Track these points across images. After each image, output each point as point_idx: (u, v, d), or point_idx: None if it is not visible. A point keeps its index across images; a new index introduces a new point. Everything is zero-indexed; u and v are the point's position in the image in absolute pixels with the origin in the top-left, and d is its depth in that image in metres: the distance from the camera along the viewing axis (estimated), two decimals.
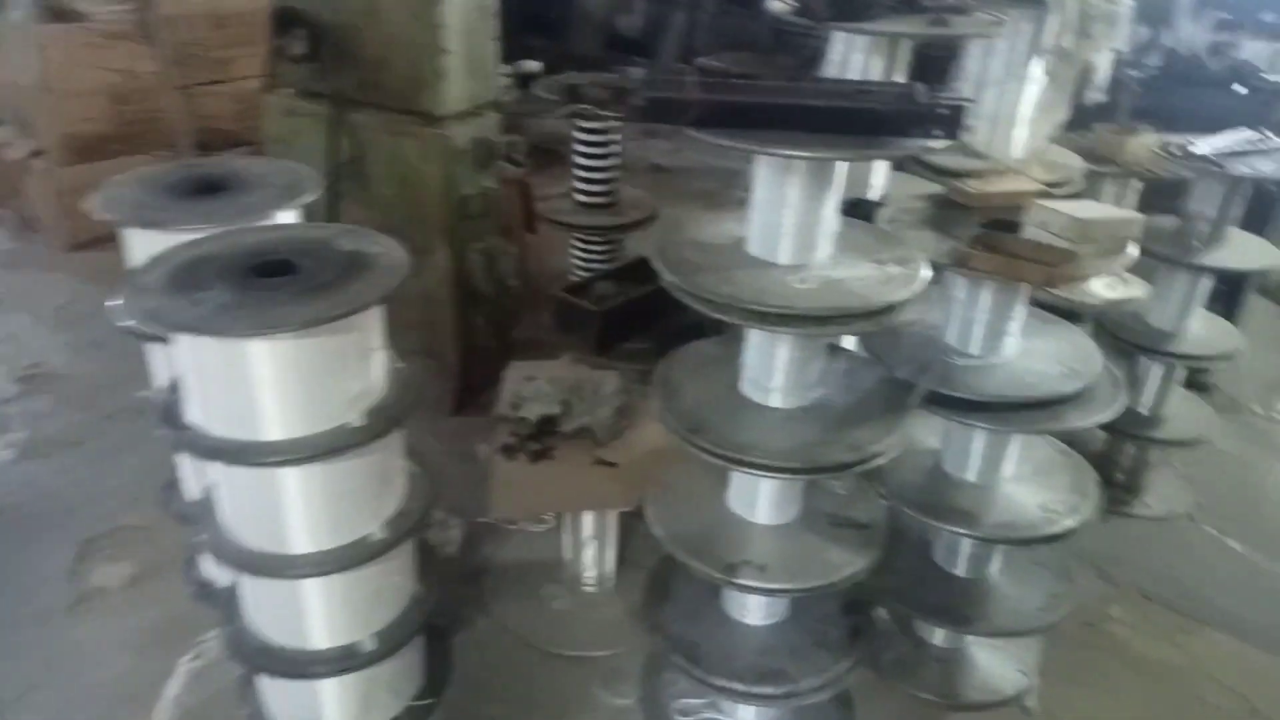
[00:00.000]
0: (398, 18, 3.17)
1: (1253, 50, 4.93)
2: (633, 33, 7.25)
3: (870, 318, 1.71)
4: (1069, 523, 2.14)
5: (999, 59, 3.14)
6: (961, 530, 2.14)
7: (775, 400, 1.89)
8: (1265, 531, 3.21)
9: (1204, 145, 3.00)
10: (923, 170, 2.75)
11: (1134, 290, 3.30)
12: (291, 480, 1.80)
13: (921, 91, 1.65)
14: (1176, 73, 4.61)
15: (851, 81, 2.41)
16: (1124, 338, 3.09)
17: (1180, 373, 3.20)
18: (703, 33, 6.72)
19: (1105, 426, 3.28)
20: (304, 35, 3.31)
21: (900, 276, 1.80)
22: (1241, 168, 2.84)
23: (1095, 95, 3.48)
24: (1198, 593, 2.93)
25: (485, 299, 3.52)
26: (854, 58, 2.69)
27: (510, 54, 5.14)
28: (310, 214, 2.17)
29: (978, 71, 3.32)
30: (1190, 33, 5.02)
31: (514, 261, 3.70)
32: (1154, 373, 3.18)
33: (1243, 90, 4.49)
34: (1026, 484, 2.25)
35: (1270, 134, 3.10)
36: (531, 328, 3.93)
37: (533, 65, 4.94)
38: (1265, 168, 2.85)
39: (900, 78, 2.76)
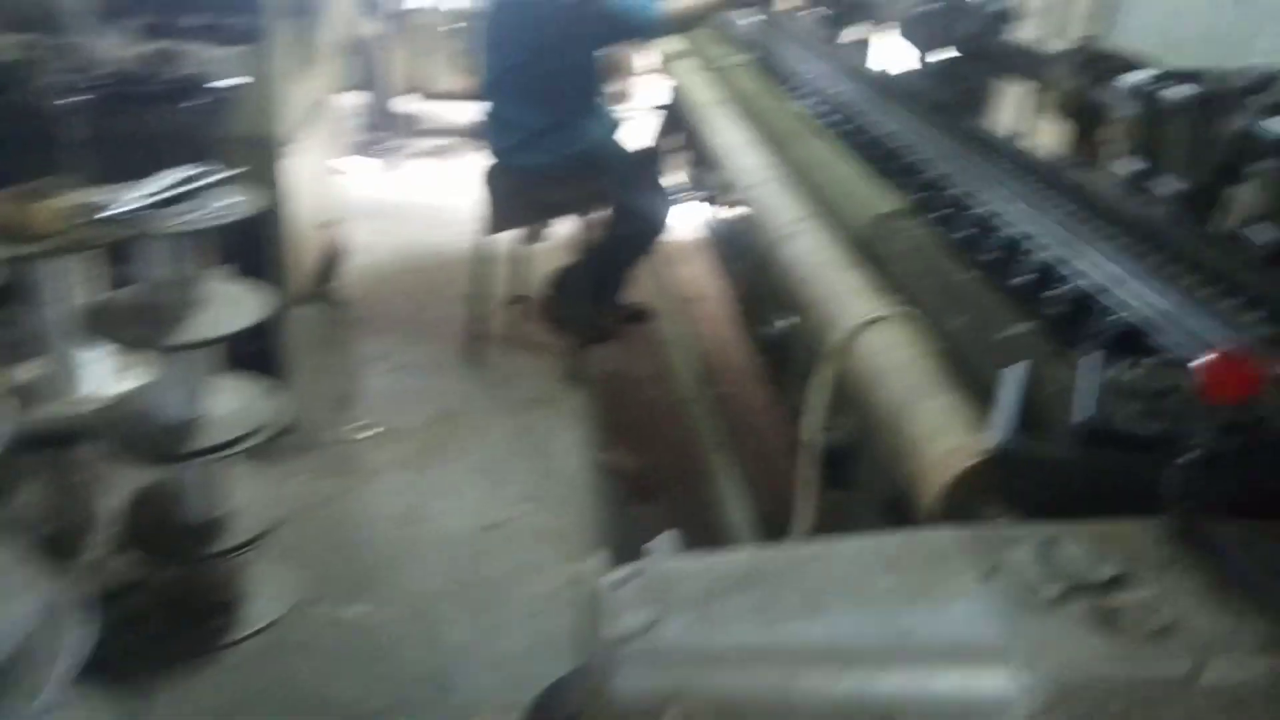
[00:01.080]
0: None
1: (197, 57, 4.56)
2: None
3: None
4: None
5: None
6: None
7: None
8: (373, 578, 2.94)
9: (125, 199, 2.41)
10: None
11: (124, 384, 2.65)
12: None
13: None
14: (114, 94, 3.95)
15: None
16: (131, 451, 2.42)
17: (226, 463, 2.67)
18: None
19: (168, 562, 2.66)
20: None
21: None
22: (165, 222, 2.33)
23: None
24: (336, 699, 2.51)
25: None
26: None
27: None
28: None
29: None
30: (116, 42, 4.39)
31: None
32: (208, 475, 2.59)
33: (192, 104, 4.08)
34: None
35: (210, 164, 2.68)
36: None
37: None
38: (193, 213, 2.39)
39: None
